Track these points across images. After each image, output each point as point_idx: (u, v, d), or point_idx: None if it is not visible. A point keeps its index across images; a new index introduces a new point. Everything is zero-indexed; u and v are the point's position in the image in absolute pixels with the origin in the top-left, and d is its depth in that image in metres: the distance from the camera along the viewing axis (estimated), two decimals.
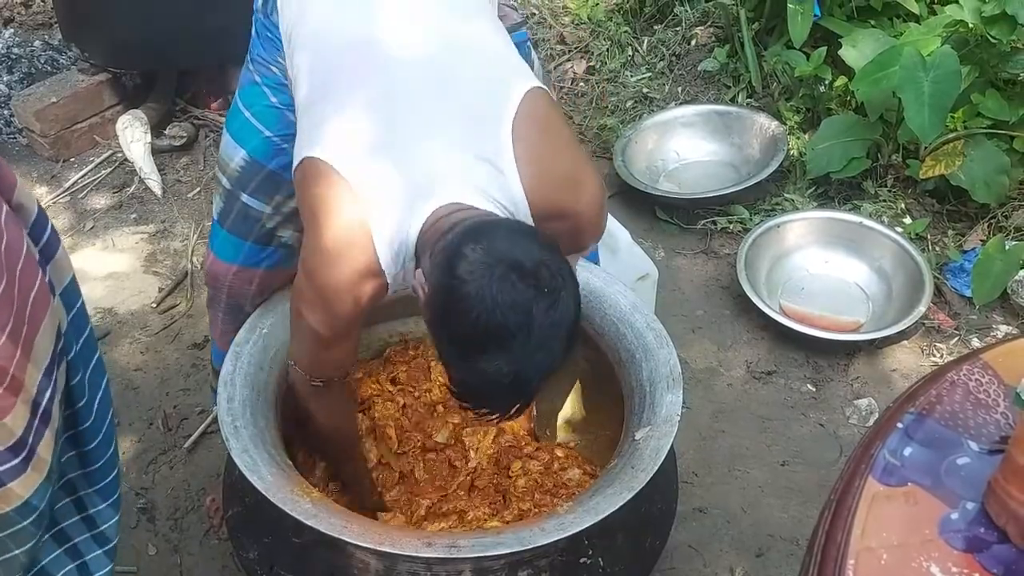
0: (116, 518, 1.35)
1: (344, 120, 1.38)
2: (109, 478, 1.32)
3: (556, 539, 1.30)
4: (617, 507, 1.34)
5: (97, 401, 1.27)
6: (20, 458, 1.05)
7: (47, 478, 1.11)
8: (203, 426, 2.20)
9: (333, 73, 1.43)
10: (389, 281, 1.36)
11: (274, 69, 1.58)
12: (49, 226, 1.18)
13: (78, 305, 1.24)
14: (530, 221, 1.35)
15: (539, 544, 1.29)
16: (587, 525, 1.32)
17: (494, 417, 1.29)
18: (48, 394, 1.09)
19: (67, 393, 1.20)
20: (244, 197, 1.64)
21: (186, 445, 2.17)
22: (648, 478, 1.38)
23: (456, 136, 1.36)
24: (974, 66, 2.60)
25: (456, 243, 1.21)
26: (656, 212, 2.83)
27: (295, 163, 1.41)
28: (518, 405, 1.28)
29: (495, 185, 1.33)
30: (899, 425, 1.10)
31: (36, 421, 1.07)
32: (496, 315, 1.16)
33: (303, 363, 1.52)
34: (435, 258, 1.24)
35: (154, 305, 2.54)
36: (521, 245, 1.21)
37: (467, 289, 1.17)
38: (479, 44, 1.46)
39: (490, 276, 1.16)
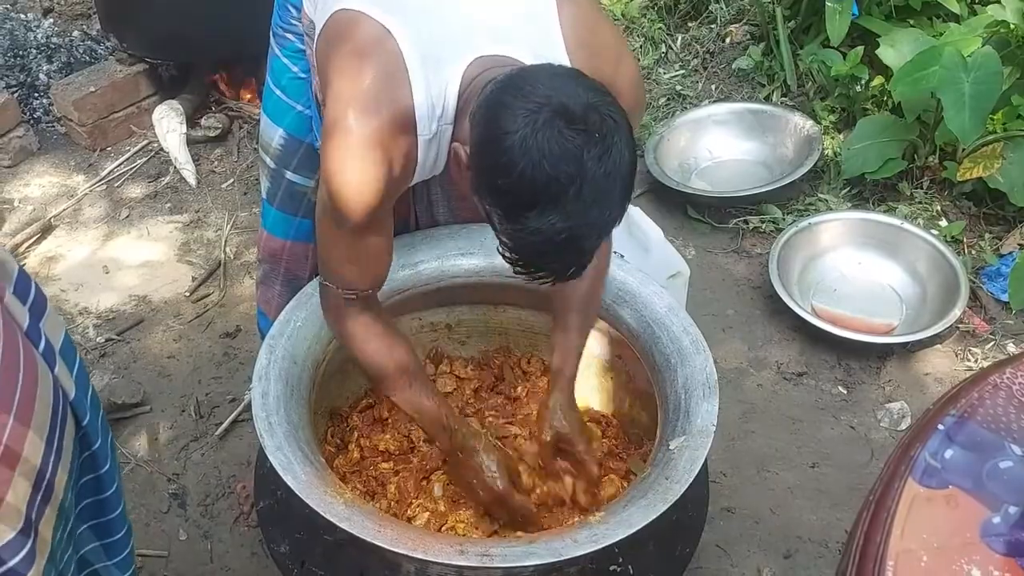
0: None
1: None
2: (125, 552, 1.29)
3: (588, 551, 1.29)
4: (650, 520, 1.32)
5: (109, 458, 1.22)
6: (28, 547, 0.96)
7: (49, 559, 1.03)
8: (234, 414, 2.22)
9: None
10: (420, 146, 1.28)
11: (290, 36, 1.59)
12: (33, 283, 1.08)
13: (78, 361, 1.15)
14: None
15: (571, 556, 1.28)
16: (620, 538, 1.30)
17: (550, 280, 1.22)
18: (51, 466, 1.02)
19: (91, 458, 1.16)
20: (288, 174, 1.67)
21: (217, 433, 2.19)
22: (683, 490, 1.36)
23: None
24: (1015, 67, 2.56)
25: (496, 93, 1.15)
26: (688, 210, 2.82)
27: (317, 32, 1.34)
28: (574, 267, 1.20)
29: (538, 41, 1.27)
30: (940, 427, 1.09)
31: (38, 496, 0.99)
32: (544, 167, 1.09)
33: (333, 271, 1.42)
34: (475, 114, 1.18)
35: (187, 294, 2.57)
36: (567, 88, 1.13)
37: (511, 141, 1.10)
38: None
39: (534, 124, 1.09)
